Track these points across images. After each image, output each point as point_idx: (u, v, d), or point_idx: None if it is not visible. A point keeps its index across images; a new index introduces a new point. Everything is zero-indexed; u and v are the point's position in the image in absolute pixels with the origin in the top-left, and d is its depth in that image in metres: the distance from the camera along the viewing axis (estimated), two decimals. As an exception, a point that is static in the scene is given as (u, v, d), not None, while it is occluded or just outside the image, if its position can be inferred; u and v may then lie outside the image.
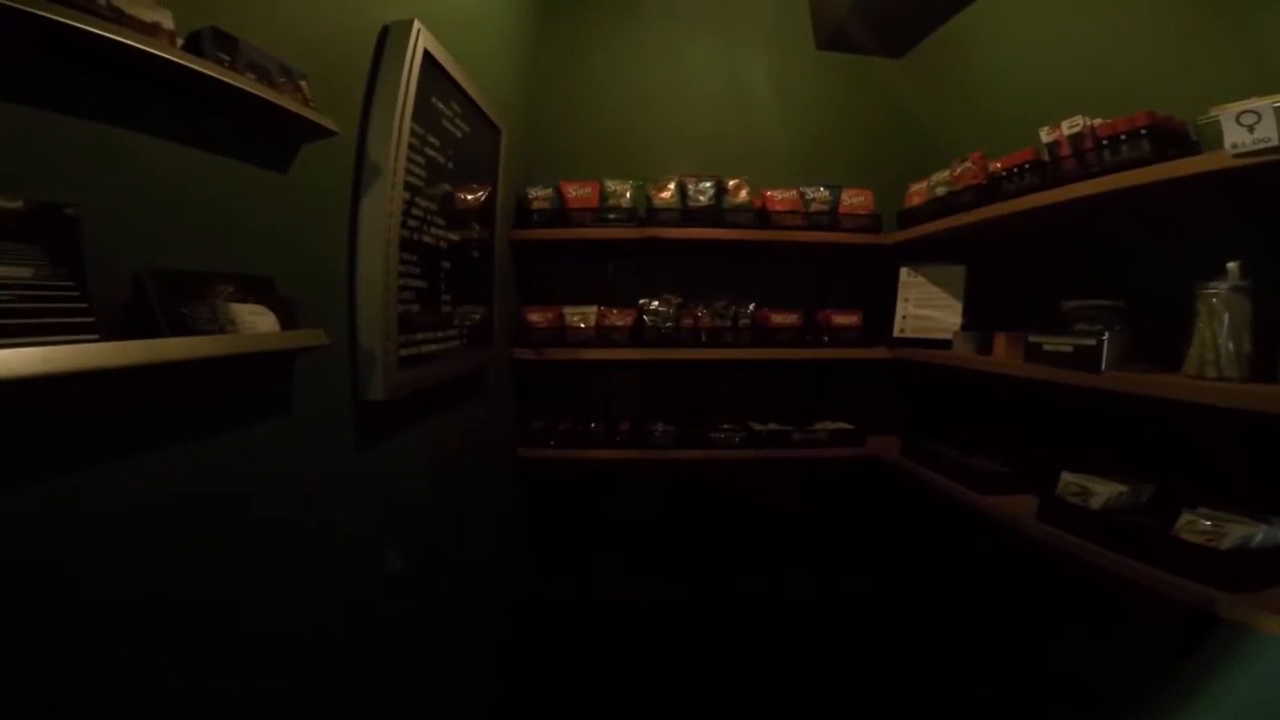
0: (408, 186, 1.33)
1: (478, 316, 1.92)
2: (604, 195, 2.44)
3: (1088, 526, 1.52)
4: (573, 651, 2.50)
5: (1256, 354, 1.27)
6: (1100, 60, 1.79)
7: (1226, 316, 1.28)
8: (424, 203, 1.43)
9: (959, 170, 2.00)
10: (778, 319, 2.51)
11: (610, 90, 2.72)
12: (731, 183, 2.45)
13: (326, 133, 1.03)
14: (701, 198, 2.42)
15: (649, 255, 2.61)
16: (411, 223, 1.36)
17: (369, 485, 1.27)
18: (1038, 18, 2.03)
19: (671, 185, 2.44)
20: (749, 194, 2.43)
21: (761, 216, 2.45)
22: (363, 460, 1.24)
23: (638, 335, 2.48)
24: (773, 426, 2.59)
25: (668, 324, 2.49)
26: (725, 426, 2.56)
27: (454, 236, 1.64)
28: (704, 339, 2.47)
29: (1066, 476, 1.63)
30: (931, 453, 2.24)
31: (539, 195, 2.46)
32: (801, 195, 2.47)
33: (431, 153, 1.47)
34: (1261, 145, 1.10)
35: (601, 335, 2.46)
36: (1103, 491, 1.53)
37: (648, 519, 2.80)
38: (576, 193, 2.45)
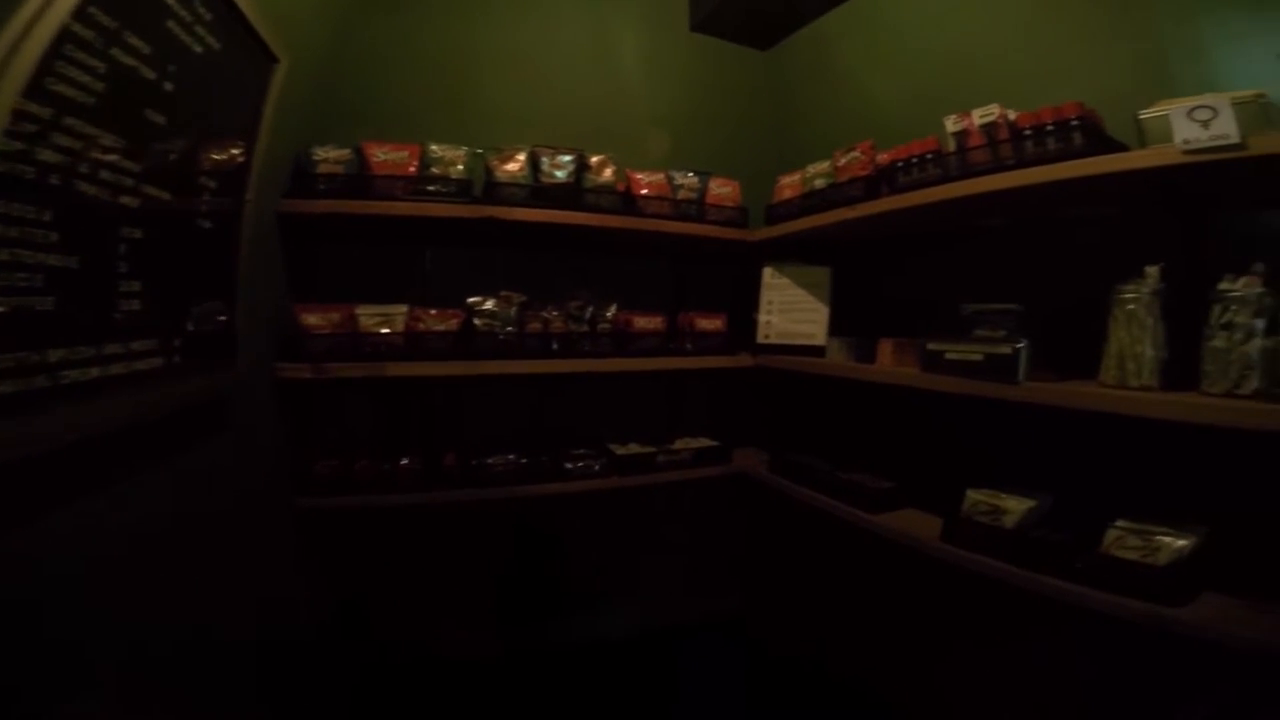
0: (46, 95, 0.71)
1: (222, 319, 1.24)
2: (426, 162, 1.84)
3: (1004, 547, 1.40)
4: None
5: (1170, 360, 1.21)
6: (986, 59, 1.75)
7: (1149, 321, 1.21)
8: (87, 129, 0.78)
9: (844, 160, 1.81)
10: (641, 323, 2.14)
11: (452, 40, 2.14)
12: (595, 159, 2.01)
13: None
14: (559, 173, 1.94)
15: (484, 242, 2.06)
16: (44, 155, 0.70)
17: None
18: (918, 14, 1.97)
19: (521, 156, 1.93)
20: (614, 174, 2.02)
21: (627, 201, 2.05)
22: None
23: (466, 343, 1.90)
24: (634, 448, 2.24)
25: (507, 328, 1.97)
26: (581, 451, 2.14)
27: (160, 194, 0.97)
28: (555, 347, 2.01)
29: (973, 495, 1.50)
30: (804, 468, 2.07)
31: (330, 156, 1.77)
32: (670, 180, 2.13)
33: (125, 58, 0.86)
34: (1219, 142, 1.01)
35: (414, 344, 1.84)
36: (1016, 509, 1.42)
37: (489, 559, 2.25)
38: (386, 156, 1.81)
